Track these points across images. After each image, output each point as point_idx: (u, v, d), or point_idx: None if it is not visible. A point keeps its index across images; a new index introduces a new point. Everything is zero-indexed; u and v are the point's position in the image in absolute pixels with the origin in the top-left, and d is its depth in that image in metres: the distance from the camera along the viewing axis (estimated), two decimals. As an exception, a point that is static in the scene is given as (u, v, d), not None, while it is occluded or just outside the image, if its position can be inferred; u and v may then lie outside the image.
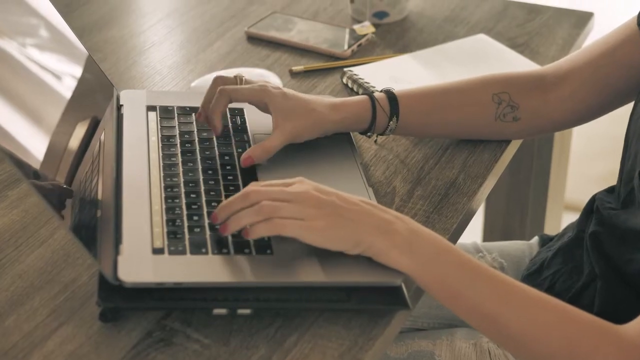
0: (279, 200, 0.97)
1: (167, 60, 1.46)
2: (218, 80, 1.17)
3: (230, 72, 1.36)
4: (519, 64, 1.41)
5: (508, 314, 0.94)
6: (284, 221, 0.96)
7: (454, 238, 1.12)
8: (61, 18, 1.18)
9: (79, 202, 0.99)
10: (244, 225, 0.97)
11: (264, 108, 1.16)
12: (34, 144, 0.97)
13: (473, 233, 1.82)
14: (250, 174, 1.13)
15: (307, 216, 0.96)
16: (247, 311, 0.95)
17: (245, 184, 1.09)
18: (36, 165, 0.95)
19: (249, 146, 1.17)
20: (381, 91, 1.20)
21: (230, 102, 1.15)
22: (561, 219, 1.83)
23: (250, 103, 1.16)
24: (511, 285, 0.95)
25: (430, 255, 0.96)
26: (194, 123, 1.20)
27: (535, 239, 1.37)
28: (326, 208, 0.97)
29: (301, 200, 0.97)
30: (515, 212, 1.74)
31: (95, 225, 0.99)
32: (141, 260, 0.97)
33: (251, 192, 0.98)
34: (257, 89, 1.15)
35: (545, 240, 1.33)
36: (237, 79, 1.18)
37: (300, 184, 0.99)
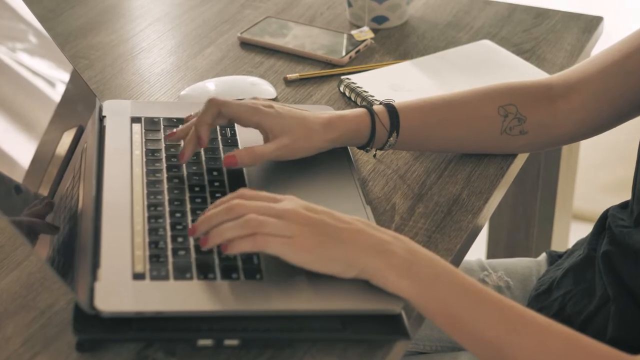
0: (266, 215, 0.91)
1: (155, 67, 1.41)
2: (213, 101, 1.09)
3: (221, 82, 1.31)
4: (525, 71, 1.38)
5: (514, 342, 0.89)
6: (267, 237, 0.90)
7: (458, 259, 1.07)
8: (39, 23, 1.12)
9: (55, 222, 0.93)
10: (226, 239, 0.91)
11: (254, 127, 1.09)
12: (9, 159, 0.92)
13: (475, 247, 1.79)
14: (241, 189, 1.07)
15: (295, 234, 0.90)
16: (234, 342, 0.90)
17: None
18: (16, 180, 0.90)
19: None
20: (380, 103, 1.14)
21: (219, 116, 1.08)
22: (569, 231, 1.79)
23: (238, 121, 1.09)
24: (518, 311, 0.90)
25: (431, 278, 0.90)
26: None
27: (543, 256, 1.32)
28: (316, 226, 0.91)
29: (289, 217, 0.91)
30: (521, 224, 1.70)
31: (72, 248, 0.93)
32: (120, 287, 0.91)
33: (236, 206, 0.92)
34: (248, 105, 1.08)
35: (554, 258, 1.29)
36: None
37: (290, 201, 0.94)
